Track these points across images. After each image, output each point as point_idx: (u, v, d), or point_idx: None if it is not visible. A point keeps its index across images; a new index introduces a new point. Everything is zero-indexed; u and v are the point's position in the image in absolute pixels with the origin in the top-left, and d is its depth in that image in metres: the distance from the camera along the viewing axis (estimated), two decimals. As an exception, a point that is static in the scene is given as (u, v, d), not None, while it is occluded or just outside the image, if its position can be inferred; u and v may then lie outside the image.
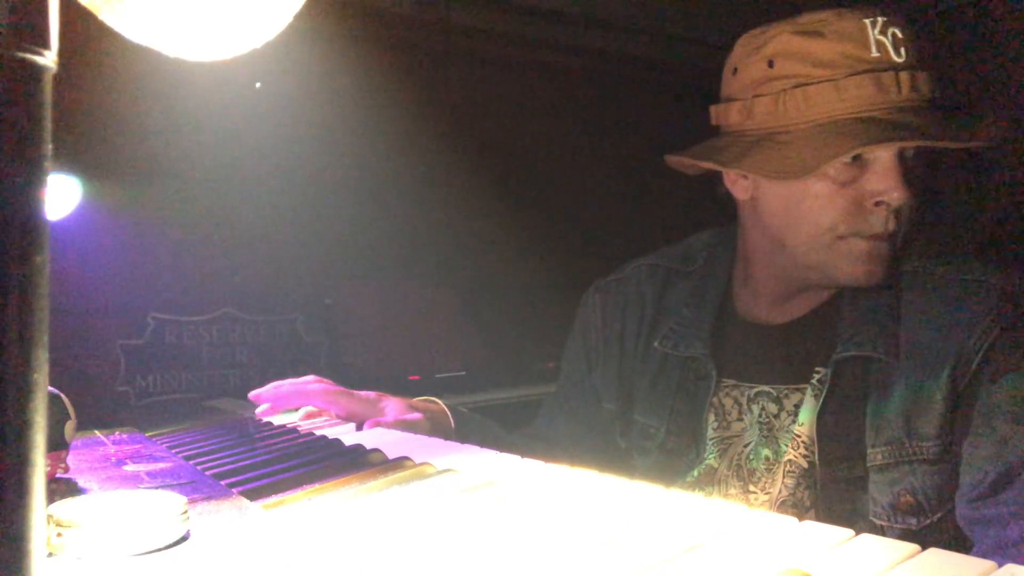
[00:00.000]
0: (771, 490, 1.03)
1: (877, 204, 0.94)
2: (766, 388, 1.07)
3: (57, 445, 0.67)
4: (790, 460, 1.02)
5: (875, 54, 0.94)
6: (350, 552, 0.46)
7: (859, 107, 0.94)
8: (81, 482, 0.69)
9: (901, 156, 0.94)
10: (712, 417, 1.09)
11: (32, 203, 0.29)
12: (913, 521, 0.95)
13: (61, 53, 0.31)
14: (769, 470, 1.04)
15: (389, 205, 2.48)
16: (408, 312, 2.40)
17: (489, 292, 2.55)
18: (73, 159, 1.68)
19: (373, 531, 0.50)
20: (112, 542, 0.47)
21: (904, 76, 0.93)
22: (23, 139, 0.29)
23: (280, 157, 2.22)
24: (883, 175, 0.93)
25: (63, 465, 0.70)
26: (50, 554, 0.47)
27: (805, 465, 1.01)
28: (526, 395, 2.19)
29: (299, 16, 0.40)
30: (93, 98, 1.88)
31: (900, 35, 0.95)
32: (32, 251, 0.29)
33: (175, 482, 0.67)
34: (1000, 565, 0.40)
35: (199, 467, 0.75)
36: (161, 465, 0.76)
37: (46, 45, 0.30)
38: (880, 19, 0.95)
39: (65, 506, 0.49)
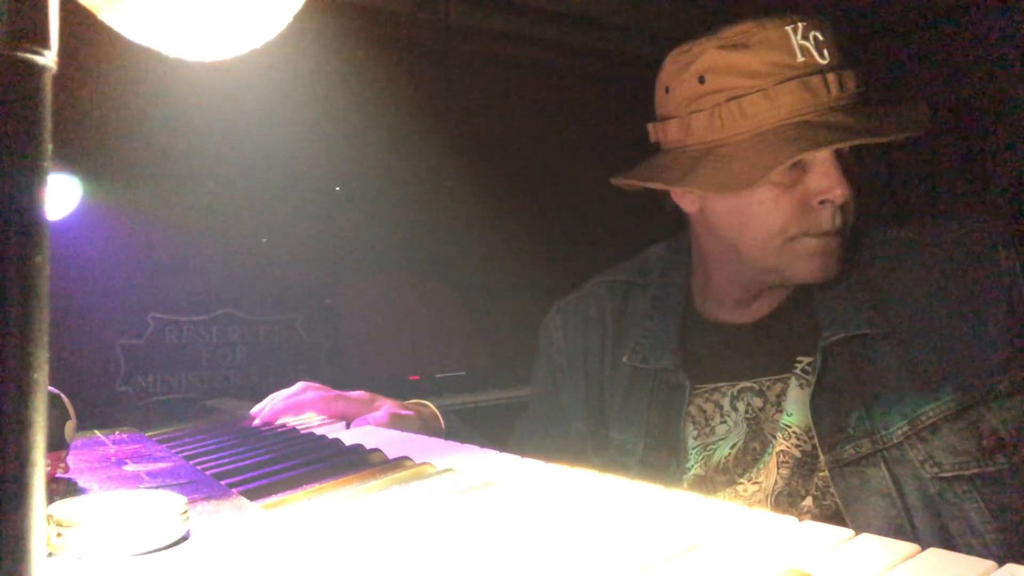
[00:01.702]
0: (760, 480, 1.03)
1: (822, 203, 0.97)
2: (748, 384, 1.07)
3: (57, 445, 0.67)
4: (782, 451, 1.02)
5: (800, 59, 0.96)
6: (350, 552, 0.46)
7: (792, 113, 0.96)
8: (81, 482, 0.69)
9: (839, 154, 0.96)
10: (690, 426, 1.09)
11: (32, 203, 0.29)
12: (1002, 459, 0.94)
13: (61, 53, 0.31)
14: (756, 460, 1.04)
15: (389, 205, 2.48)
16: (408, 312, 2.40)
17: (489, 292, 2.55)
18: (73, 159, 1.68)
19: (373, 531, 0.50)
20: (112, 542, 0.47)
21: (831, 77, 0.96)
22: (23, 139, 0.29)
23: (280, 157, 2.22)
24: (824, 175, 0.96)
25: (63, 465, 0.70)
26: (50, 554, 0.47)
27: (798, 455, 1.01)
28: (526, 395, 2.19)
29: (299, 16, 0.40)
30: (93, 98, 1.88)
31: (821, 37, 0.97)
32: (32, 251, 0.29)
33: (175, 482, 0.67)
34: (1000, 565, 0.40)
35: (199, 467, 0.75)
36: (161, 465, 0.76)
37: (46, 45, 0.30)
38: (800, 24, 0.97)
39: (65, 506, 0.49)
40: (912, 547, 0.43)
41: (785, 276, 1.02)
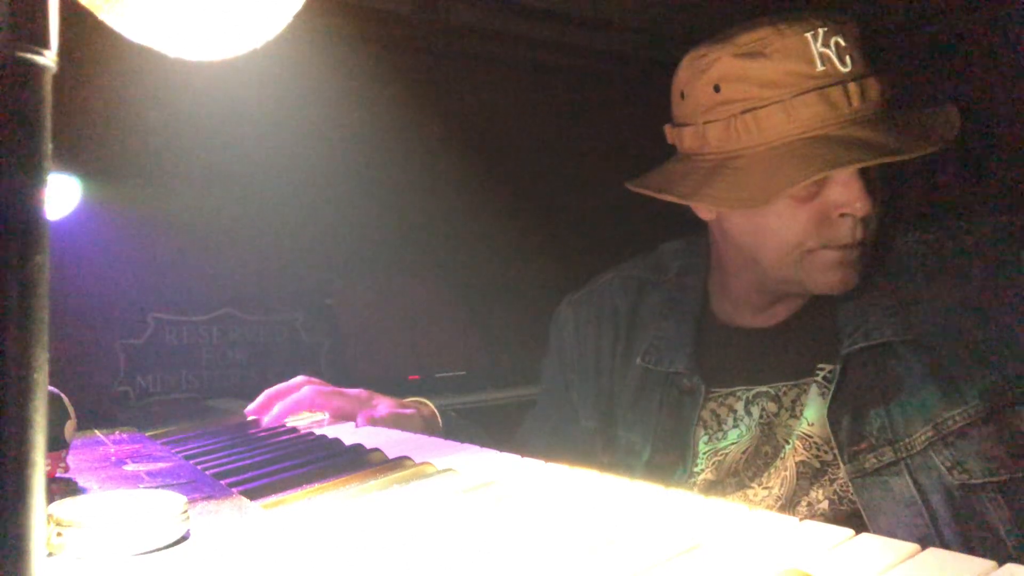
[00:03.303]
0: (771, 485, 1.02)
1: (842, 215, 0.93)
2: (764, 389, 1.05)
3: (57, 445, 0.67)
4: (803, 461, 1.00)
5: (820, 68, 0.91)
6: (350, 552, 0.46)
7: (811, 127, 0.92)
8: (81, 482, 0.69)
9: (862, 167, 0.92)
10: (701, 431, 1.07)
11: (32, 203, 0.29)
12: None
13: (61, 53, 0.31)
14: (767, 465, 1.03)
15: (389, 205, 2.48)
16: (408, 312, 2.40)
17: (489, 292, 2.55)
18: (73, 159, 1.68)
19: (373, 531, 0.50)
20: (112, 542, 0.47)
21: (853, 87, 0.91)
22: (23, 139, 0.29)
23: (280, 157, 2.22)
24: (845, 188, 0.92)
25: (63, 465, 0.70)
26: (50, 554, 0.47)
27: (817, 465, 0.99)
28: (526, 395, 2.19)
29: (299, 16, 0.40)
30: (93, 98, 1.88)
31: (844, 43, 0.92)
32: (32, 251, 0.29)
33: (175, 482, 0.67)
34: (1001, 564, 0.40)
35: (199, 467, 0.75)
36: (161, 465, 0.76)
37: (46, 45, 0.30)
38: (822, 30, 0.92)
39: (65, 506, 0.49)
40: (912, 547, 0.43)
41: (804, 286, 0.99)
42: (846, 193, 0.92)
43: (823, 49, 0.92)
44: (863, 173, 0.92)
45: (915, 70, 2.89)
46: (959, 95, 2.81)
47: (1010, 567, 0.39)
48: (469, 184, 2.54)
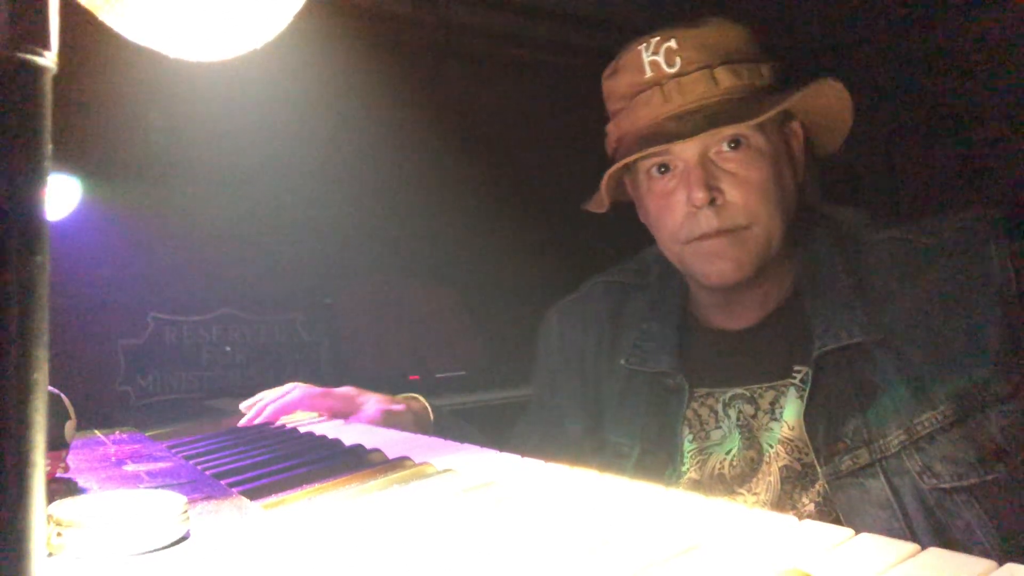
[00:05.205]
0: (759, 492, 1.02)
1: (693, 206, 0.98)
2: (740, 390, 1.05)
3: (57, 445, 0.67)
4: (786, 466, 1.00)
5: (649, 74, 1.01)
6: (350, 552, 0.46)
7: (640, 127, 1.01)
8: (81, 482, 0.69)
9: (703, 158, 0.98)
10: (687, 430, 1.08)
11: (32, 203, 0.29)
12: (1002, 468, 0.91)
13: (61, 53, 0.31)
14: (754, 470, 1.02)
15: (389, 205, 2.48)
16: (408, 312, 2.40)
17: (489, 292, 2.55)
18: (73, 159, 1.68)
19: (373, 531, 0.50)
20: (112, 542, 0.47)
21: (670, 86, 0.99)
22: (23, 139, 0.29)
23: (280, 157, 2.22)
24: (683, 181, 0.99)
25: (63, 465, 0.70)
26: (50, 554, 0.47)
27: (799, 468, 0.99)
28: (526, 395, 2.19)
29: (299, 16, 0.40)
30: (93, 98, 1.88)
31: (676, 46, 0.99)
32: (32, 251, 0.29)
33: (175, 482, 0.67)
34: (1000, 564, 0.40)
35: (199, 467, 0.75)
36: (161, 465, 0.76)
37: (46, 45, 0.30)
38: (653, 40, 1.01)
39: (65, 506, 0.49)
40: (912, 547, 0.43)
41: (696, 279, 1.05)
42: (684, 186, 0.99)
43: (652, 57, 1.01)
44: (705, 164, 0.97)
45: (917, 69, 2.89)
46: (960, 95, 2.82)
47: (1010, 567, 0.39)
48: (469, 184, 2.54)
